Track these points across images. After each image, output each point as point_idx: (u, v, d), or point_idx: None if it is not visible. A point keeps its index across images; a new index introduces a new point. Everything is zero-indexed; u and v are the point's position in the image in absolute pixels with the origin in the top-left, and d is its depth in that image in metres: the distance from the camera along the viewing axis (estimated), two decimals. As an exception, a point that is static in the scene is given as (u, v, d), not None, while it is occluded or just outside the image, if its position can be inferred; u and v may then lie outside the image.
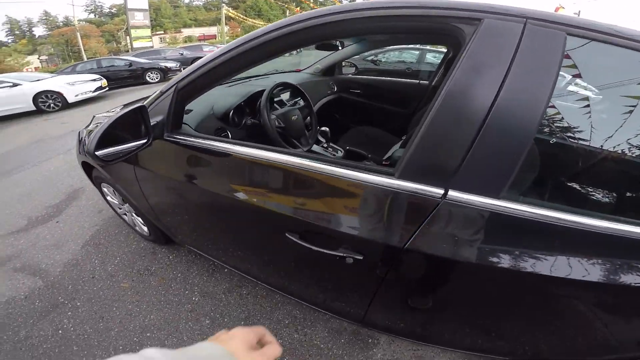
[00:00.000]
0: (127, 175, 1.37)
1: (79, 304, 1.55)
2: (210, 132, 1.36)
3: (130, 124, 1.00)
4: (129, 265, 1.78)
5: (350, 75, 2.83)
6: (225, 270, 1.67)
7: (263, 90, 1.49)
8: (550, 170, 0.75)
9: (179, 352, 0.36)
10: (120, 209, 1.91)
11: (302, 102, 1.74)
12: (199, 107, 1.44)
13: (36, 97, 6.98)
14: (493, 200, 0.63)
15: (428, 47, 5.42)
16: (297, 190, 0.88)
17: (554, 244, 0.64)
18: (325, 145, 1.88)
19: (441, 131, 0.66)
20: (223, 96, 1.56)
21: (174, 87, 1.04)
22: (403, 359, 1.24)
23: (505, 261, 0.65)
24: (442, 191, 0.65)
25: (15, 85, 7.06)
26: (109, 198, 1.93)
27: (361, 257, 0.76)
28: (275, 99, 1.73)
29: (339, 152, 1.89)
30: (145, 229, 1.79)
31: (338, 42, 2.09)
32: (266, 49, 0.92)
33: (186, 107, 1.34)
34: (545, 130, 0.71)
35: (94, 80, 7.97)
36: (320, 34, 0.86)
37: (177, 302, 1.51)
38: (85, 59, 15.59)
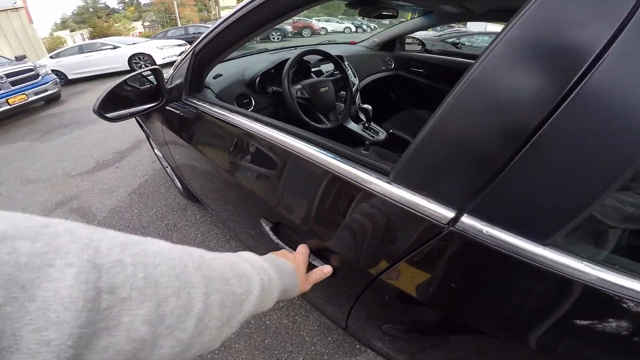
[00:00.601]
0: (158, 133, 1.42)
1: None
2: (231, 98, 1.31)
3: (146, 84, 1.03)
4: (160, 219, 1.90)
5: (413, 53, 2.54)
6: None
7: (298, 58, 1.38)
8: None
9: (267, 259, 0.45)
10: (165, 161, 2.03)
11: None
12: (230, 71, 1.42)
13: (131, 59, 7.94)
14: (534, 247, 0.37)
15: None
16: (276, 171, 0.75)
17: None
18: (366, 124, 1.72)
19: (466, 122, 0.41)
20: (258, 62, 1.50)
21: (192, 51, 1.02)
22: (388, 374, 1.10)
23: (536, 336, 0.41)
24: (451, 214, 0.42)
25: (115, 47, 8.14)
26: (155, 151, 2.06)
27: (331, 271, 0.62)
28: (313, 69, 1.61)
29: (380, 134, 1.71)
30: (180, 184, 1.88)
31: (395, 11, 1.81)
32: (279, 3, 0.80)
33: (217, 72, 1.35)
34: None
35: (180, 45, 8.69)
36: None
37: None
38: (180, 26, 17.03)
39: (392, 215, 0.49)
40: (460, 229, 0.42)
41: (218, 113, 0.91)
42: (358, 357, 1.15)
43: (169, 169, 1.99)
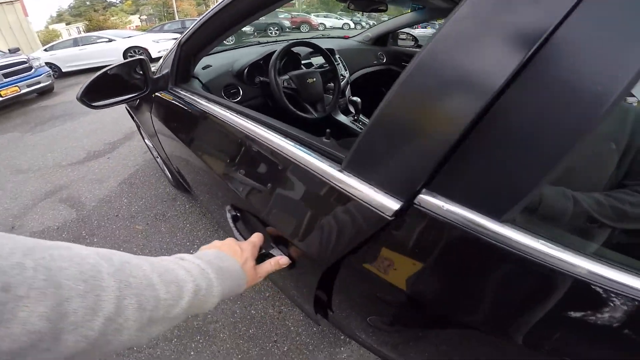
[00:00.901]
0: (148, 123, 1.44)
1: (95, 240, 1.71)
2: (218, 88, 1.34)
3: (132, 73, 1.06)
4: (149, 208, 1.90)
5: (405, 48, 2.55)
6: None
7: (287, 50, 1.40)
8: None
9: (211, 262, 0.44)
10: (155, 152, 2.04)
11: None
12: (219, 62, 1.45)
13: (126, 52, 7.89)
14: (490, 223, 0.35)
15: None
16: (241, 159, 0.74)
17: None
18: (355, 116, 1.73)
19: (415, 105, 0.39)
20: (248, 54, 1.53)
21: (178, 42, 1.04)
22: (368, 364, 1.10)
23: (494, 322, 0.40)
24: (396, 205, 0.40)
25: (110, 40, 8.09)
26: (146, 141, 2.06)
27: (289, 262, 0.60)
28: (304, 62, 1.62)
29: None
30: (169, 174, 1.89)
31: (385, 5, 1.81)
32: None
33: (206, 63, 1.39)
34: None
35: (175, 39, 8.62)
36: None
37: (176, 253, 1.56)
38: (177, 19, 16.89)
39: (342, 204, 0.48)
40: (423, 205, 0.39)
41: (197, 102, 0.93)
42: (342, 348, 1.16)
43: (159, 159, 2.00)
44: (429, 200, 0.39)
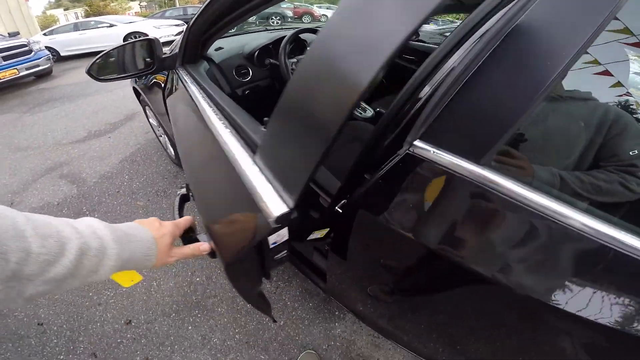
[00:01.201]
0: (159, 99, 1.46)
1: (96, 215, 1.69)
2: (230, 68, 1.43)
3: (141, 52, 1.13)
4: (151, 185, 1.90)
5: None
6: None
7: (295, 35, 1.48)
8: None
9: (114, 227, 0.41)
10: (158, 130, 2.05)
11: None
12: (231, 45, 1.55)
13: (126, 37, 7.81)
14: (471, 165, 0.38)
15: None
16: (193, 138, 0.76)
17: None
18: (356, 103, 1.76)
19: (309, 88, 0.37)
20: (258, 39, 1.62)
21: (187, 25, 1.09)
22: (359, 341, 1.12)
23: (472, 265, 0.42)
24: (282, 209, 0.38)
25: (111, 26, 8.05)
26: (150, 120, 2.09)
27: (209, 250, 0.56)
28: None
29: (367, 111, 1.74)
30: (172, 151, 1.89)
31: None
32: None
33: (218, 45, 1.49)
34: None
35: (177, 25, 8.60)
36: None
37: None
38: (178, 6, 16.69)
39: (242, 197, 0.45)
40: (414, 152, 0.42)
41: (188, 82, 0.98)
42: (336, 323, 1.17)
43: (162, 138, 2.02)
44: (421, 147, 0.41)
